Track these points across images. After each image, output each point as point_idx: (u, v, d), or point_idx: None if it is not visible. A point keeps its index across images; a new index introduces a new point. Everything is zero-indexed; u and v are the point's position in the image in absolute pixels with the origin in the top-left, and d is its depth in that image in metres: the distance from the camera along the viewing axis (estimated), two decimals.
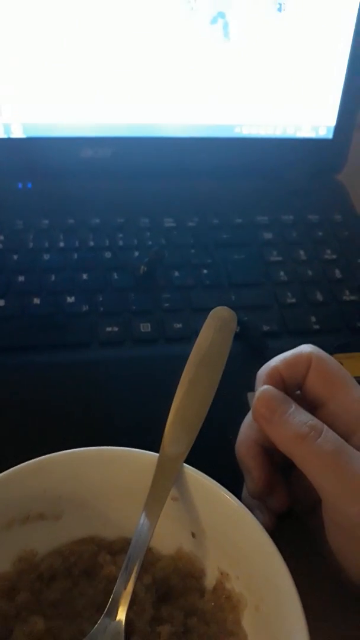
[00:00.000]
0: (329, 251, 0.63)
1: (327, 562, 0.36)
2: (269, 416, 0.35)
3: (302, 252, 0.63)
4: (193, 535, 0.37)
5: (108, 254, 0.61)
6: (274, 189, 0.71)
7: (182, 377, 0.39)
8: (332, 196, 0.71)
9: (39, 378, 0.50)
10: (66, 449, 0.37)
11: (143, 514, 0.35)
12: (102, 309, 0.55)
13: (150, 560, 0.37)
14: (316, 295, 0.58)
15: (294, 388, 0.38)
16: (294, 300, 0.58)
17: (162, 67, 0.64)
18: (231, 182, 0.71)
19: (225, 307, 0.42)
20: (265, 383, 0.37)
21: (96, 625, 0.33)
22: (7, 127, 0.65)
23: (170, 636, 0.33)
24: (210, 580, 0.37)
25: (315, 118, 0.69)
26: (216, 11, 0.62)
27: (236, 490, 0.36)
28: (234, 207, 0.68)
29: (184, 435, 0.37)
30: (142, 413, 0.46)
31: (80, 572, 0.37)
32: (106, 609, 0.33)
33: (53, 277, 0.58)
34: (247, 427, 0.38)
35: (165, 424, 0.37)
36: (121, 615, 0.33)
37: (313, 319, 0.56)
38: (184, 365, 0.39)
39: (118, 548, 0.37)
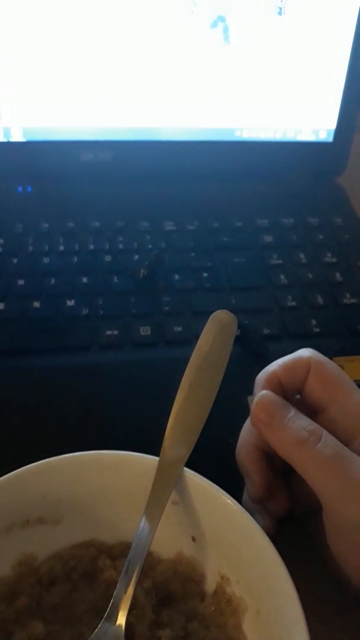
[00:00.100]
0: (329, 254, 0.63)
1: (327, 565, 0.35)
2: (268, 421, 0.35)
3: (302, 255, 0.63)
4: (193, 539, 0.37)
5: (108, 258, 0.61)
6: (274, 192, 0.71)
7: (183, 380, 0.39)
8: (333, 199, 0.71)
9: (38, 381, 0.50)
10: (66, 452, 0.37)
11: (143, 518, 0.34)
12: (102, 312, 0.55)
13: (150, 564, 0.37)
14: (316, 298, 0.58)
15: (293, 393, 0.38)
16: (294, 303, 0.57)
17: (163, 71, 0.64)
18: (231, 186, 0.71)
19: (226, 310, 0.42)
20: (263, 388, 0.37)
21: (96, 630, 0.33)
22: (7, 131, 0.65)
23: None
24: (210, 584, 0.37)
25: (315, 121, 0.69)
26: (216, 15, 0.62)
27: (237, 494, 0.36)
28: (234, 211, 0.68)
29: (185, 439, 0.37)
30: (142, 417, 0.46)
31: (80, 576, 0.37)
32: (106, 613, 0.33)
33: (53, 281, 0.58)
34: (247, 431, 0.38)
35: (165, 427, 0.37)
36: (121, 619, 0.33)
37: (313, 322, 0.56)
38: (184, 368, 0.39)
39: (118, 552, 0.37)
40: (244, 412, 0.40)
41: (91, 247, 0.62)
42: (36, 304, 0.55)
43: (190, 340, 0.52)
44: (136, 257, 0.61)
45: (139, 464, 0.37)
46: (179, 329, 0.54)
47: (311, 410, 0.37)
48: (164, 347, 0.53)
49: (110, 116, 0.66)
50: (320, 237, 0.65)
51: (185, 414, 0.38)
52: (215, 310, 0.41)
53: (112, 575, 0.36)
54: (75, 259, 0.60)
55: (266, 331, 0.54)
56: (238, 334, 0.52)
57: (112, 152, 0.69)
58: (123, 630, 0.32)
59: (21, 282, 0.57)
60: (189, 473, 0.36)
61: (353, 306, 0.58)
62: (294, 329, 0.55)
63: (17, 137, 0.66)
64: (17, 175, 0.68)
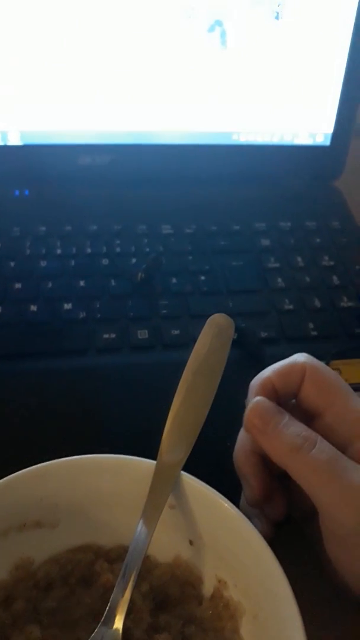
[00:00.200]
0: (326, 258, 0.63)
1: (325, 569, 0.35)
2: (262, 428, 0.35)
3: (299, 259, 0.63)
4: (191, 542, 0.37)
5: (105, 261, 0.61)
6: (272, 195, 0.71)
7: (180, 384, 0.39)
8: (330, 203, 0.72)
9: (36, 385, 0.50)
10: (63, 456, 0.37)
11: (140, 522, 0.34)
12: (99, 315, 0.55)
13: (147, 568, 0.37)
14: (314, 301, 0.58)
15: (288, 398, 0.38)
16: (291, 306, 0.57)
17: (160, 75, 0.64)
18: (229, 189, 0.71)
19: (223, 314, 0.42)
20: (257, 394, 0.37)
21: (93, 634, 0.32)
22: (4, 135, 0.65)
23: None
24: (208, 588, 0.36)
25: (312, 125, 0.69)
26: (213, 19, 0.62)
27: (234, 498, 0.36)
28: (231, 214, 0.68)
29: (182, 443, 0.37)
30: (140, 420, 0.46)
31: (77, 580, 0.37)
32: (103, 617, 0.33)
33: (50, 284, 0.58)
34: (244, 435, 0.38)
35: (162, 431, 0.37)
36: (118, 623, 0.32)
37: (311, 325, 0.56)
38: (182, 372, 0.39)
39: (115, 556, 0.37)
40: (242, 415, 0.39)
41: (88, 250, 0.62)
42: (33, 308, 0.55)
43: (187, 343, 0.52)
44: (134, 260, 0.61)
45: (136, 468, 0.37)
46: (176, 332, 0.54)
47: (307, 416, 0.37)
48: (161, 350, 0.53)
49: (108, 120, 0.66)
50: (318, 240, 0.65)
51: (182, 418, 0.38)
52: (213, 313, 0.41)
53: (109, 579, 0.36)
54: (73, 263, 0.60)
55: (264, 334, 0.55)
56: (235, 337, 0.52)
57: (110, 155, 0.69)
58: (120, 634, 0.32)
59: (18, 285, 0.57)
60: (187, 477, 0.36)
61: (350, 309, 0.58)
62: (292, 332, 0.55)
63: (14, 140, 0.66)
64: (14, 179, 0.68)
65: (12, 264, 0.60)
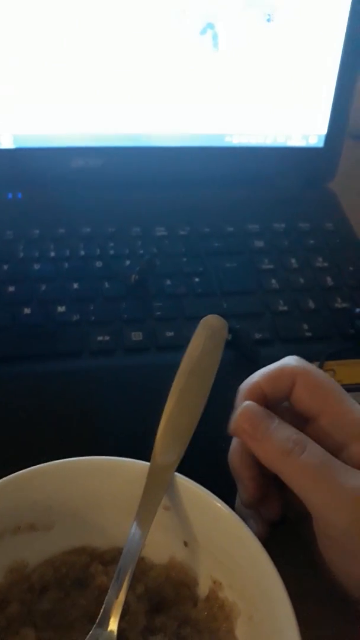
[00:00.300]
0: (320, 259, 0.63)
1: (320, 570, 0.35)
2: (252, 432, 0.35)
3: (293, 260, 0.63)
4: (185, 544, 0.37)
5: (99, 263, 0.61)
6: (265, 197, 0.71)
7: (173, 386, 0.39)
8: (324, 204, 0.72)
9: (29, 388, 0.50)
10: (57, 458, 0.37)
11: (134, 524, 0.34)
12: (93, 318, 0.55)
13: (142, 569, 0.37)
14: (308, 302, 0.58)
15: (278, 402, 0.38)
16: (285, 308, 0.58)
17: (153, 77, 0.64)
18: (222, 191, 0.71)
19: (216, 315, 0.42)
20: (246, 399, 0.37)
21: (88, 636, 0.32)
22: None
23: None
24: (203, 589, 0.36)
25: (305, 127, 0.70)
26: (205, 22, 0.62)
27: (228, 499, 0.36)
28: (225, 216, 0.68)
29: (175, 444, 0.37)
30: (134, 422, 0.46)
31: (72, 582, 0.37)
32: (98, 619, 0.33)
33: (44, 287, 0.57)
34: None
35: (156, 433, 0.37)
36: (113, 625, 0.32)
37: (305, 326, 0.56)
38: (176, 374, 0.39)
39: (110, 558, 0.37)
40: None
41: (82, 253, 0.62)
42: (27, 311, 0.55)
43: (182, 345, 0.52)
44: (127, 262, 0.61)
45: (130, 470, 0.37)
46: (170, 334, 0.54)
47: (301, 419, 0.37)
48: (155, 352, 0.53)
49: (101, 122, 0.66)
50: (312, 242, 0.66)
51: (176, 419, 0.38)
52: (207, 315, 0.41)
53: (104, 581, 0.36)
54: (66, 265, 0.60)
55: (258, 336, 0.55)
56: (229, 338, 0.52)
57: (103, 158, 0.69)
58: (115, 636, 0.32)
59: (12, 288, 0.57)
60: (180, 478, 0.36)
61: (344, 310, 0.58)
62: (286, 333, 0.55)
63: (7, 144, 0.66)
64: (7, 182, 0.68)
65: (5, 267, 0.59)
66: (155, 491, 0.35)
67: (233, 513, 0.34)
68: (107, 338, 0.53)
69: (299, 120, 0.69)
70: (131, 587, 0.34)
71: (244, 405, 0.36)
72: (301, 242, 0.65)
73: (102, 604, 0.33)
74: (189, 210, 0.68)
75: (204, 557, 0.36)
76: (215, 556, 0.36)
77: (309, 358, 0.39)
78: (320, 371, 0.38)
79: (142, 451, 0.37)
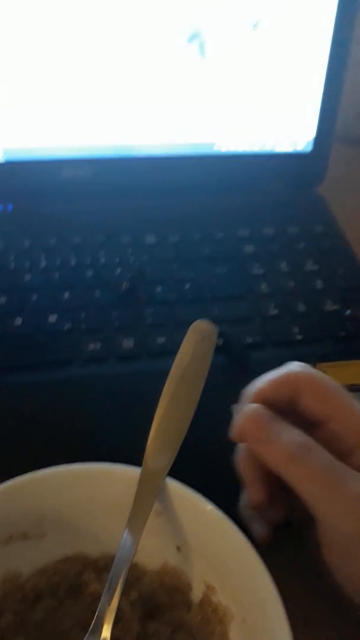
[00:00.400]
0: (310, 262, 0.63)
1: (322, 573, 0.35)
2: (258, 435, 0.34)
3: (283, 264, 0.63)
4: (178, 549, 0.37)
5: (90, 272, 0.61)
6: (255, 203, 0.71)
7: (163, 391, 0.39)
8: (313, 209, 0.72)
9: (21, 397, 0.50)
10: (48, 466, 0.37)
11: (126, 530, 0.34)
12: (84, 326, 0.55)
13: (135, 576, 0.37)
14: (298, 306, 0.58)
15: (281, 408, 0.38)
16: (276, 311, 0.58)
17: (140, 88, 0.64)
18: (212, 198, 0.71)
19: (205, 320, 0.42)
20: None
21: None
22: None
23: None
24: (196, 594, 0.36)
25: (293, 132, 0.70)
26: (192, 31, 0.63)
27: (220, 503, 0.36)
28: (215, 222, 0.68)
29: (166, 450, 0.37)
30: (126, 430, 0.46)
31: (65, 591, 0.37)
32: (91, 627, 0.33)
33: (35, 297, 0.58)
34: None
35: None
36: (106, 632, 0.32)
37: (296, 329, 0.56)
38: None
39: (103, 565, 0.37)
40: (228, 421, 0.39)
41: (73, 262, 0.62)
42: (18, 321, 0.55)
43: (173, 351, 0.52)
44: (118, 270, 0.61)
45: (121, 476, 0.37)
46: (162, 340, 0.54)
47: (309, 425, 0.37)
48: (147, 359, 0.53)
49: (90, 133, 0.66)
50: (301, 245, 0.66)
51: (166, 425, 0.38)
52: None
53: (96, 589, 0.36)
54: (57, 275, 0.60)
55: (249, 340, 0.55)
56: (221, 343, 0.52)
57: (93, 168, 0.69)
58: None
59: (2, 299, 0.57)
60: (172, 483, 0.36)
61: (335, 313, 0.58)
62: (277, 337, 0.55)
63: None
64: None
65: None
66: (147, 497, 0.35)
67: (225, 517, 0.34)
68: (98, 346, 0.53)
69: (287, 126, 0.69)
70: (124, 594, 0.33)
71: (250, 407, 0.36)
72: (291, 246, 0.66)
73: (95, 611, 0.33)
74: (179, 217, 0.69)
75: (196, 562, 0.36)
76: (207, 560, 0.35)
77: (300, 361, 0.39)
78: (325, 376, 0.37)
79: (134, 459, 0.37)
